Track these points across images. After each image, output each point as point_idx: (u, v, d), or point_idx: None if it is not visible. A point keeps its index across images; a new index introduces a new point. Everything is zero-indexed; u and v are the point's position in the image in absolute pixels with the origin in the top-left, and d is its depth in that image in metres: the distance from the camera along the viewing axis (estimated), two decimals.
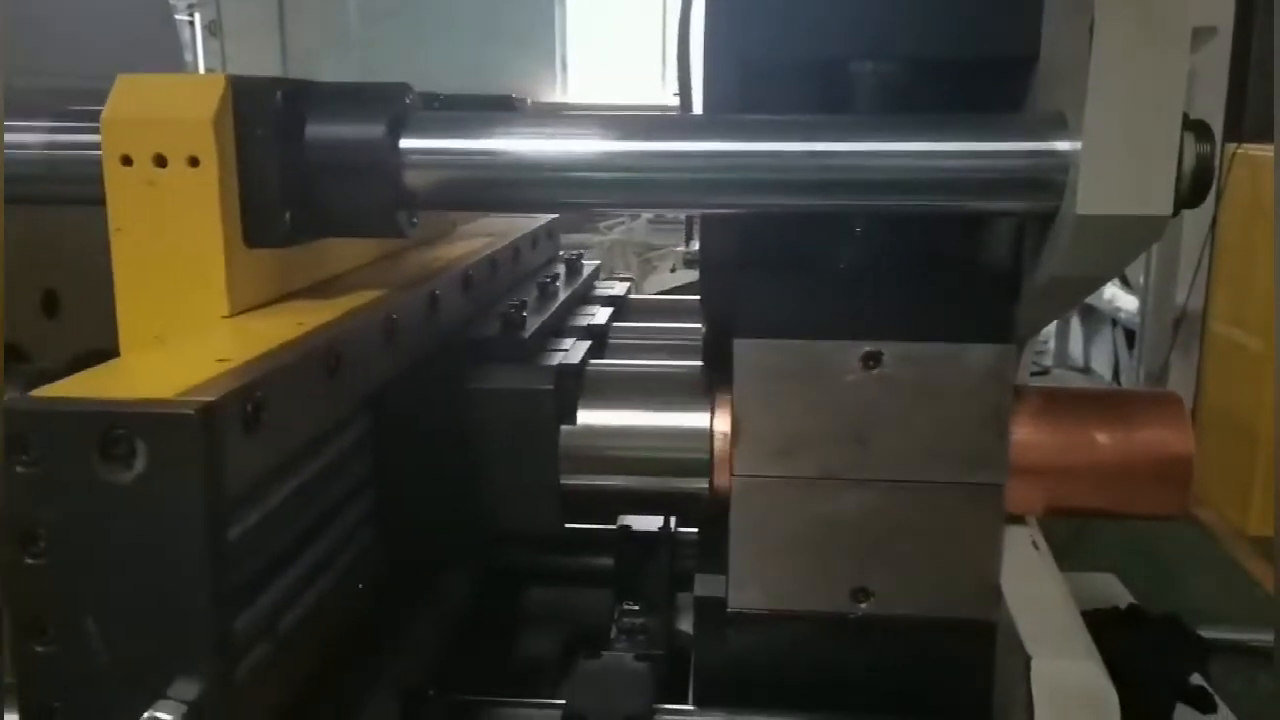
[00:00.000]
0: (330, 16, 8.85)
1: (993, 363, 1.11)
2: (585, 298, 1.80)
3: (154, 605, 0.73)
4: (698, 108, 1.23)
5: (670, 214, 6.00)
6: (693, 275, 1.36)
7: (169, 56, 2.17)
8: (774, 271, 1.17)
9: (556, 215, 1.95)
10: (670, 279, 4.94)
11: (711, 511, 1.21)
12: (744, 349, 1.14)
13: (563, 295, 1.61)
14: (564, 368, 1.24)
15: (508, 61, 8.68)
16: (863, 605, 1.17)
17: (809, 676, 1.19)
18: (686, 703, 1.21)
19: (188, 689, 0.74)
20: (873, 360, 1.12)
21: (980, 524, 1.15)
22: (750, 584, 1.18)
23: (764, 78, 1.14)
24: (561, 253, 2.00)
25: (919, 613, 1.17)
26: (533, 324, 1.34)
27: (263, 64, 8.54)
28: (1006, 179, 1.02)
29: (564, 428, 1.20)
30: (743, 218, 1.20)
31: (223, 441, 0.73)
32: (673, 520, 1.55)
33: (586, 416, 1.22)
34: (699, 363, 1.30)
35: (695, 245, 1.34)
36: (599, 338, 1.52)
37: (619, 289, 1.91)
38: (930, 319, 1.12)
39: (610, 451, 1.23)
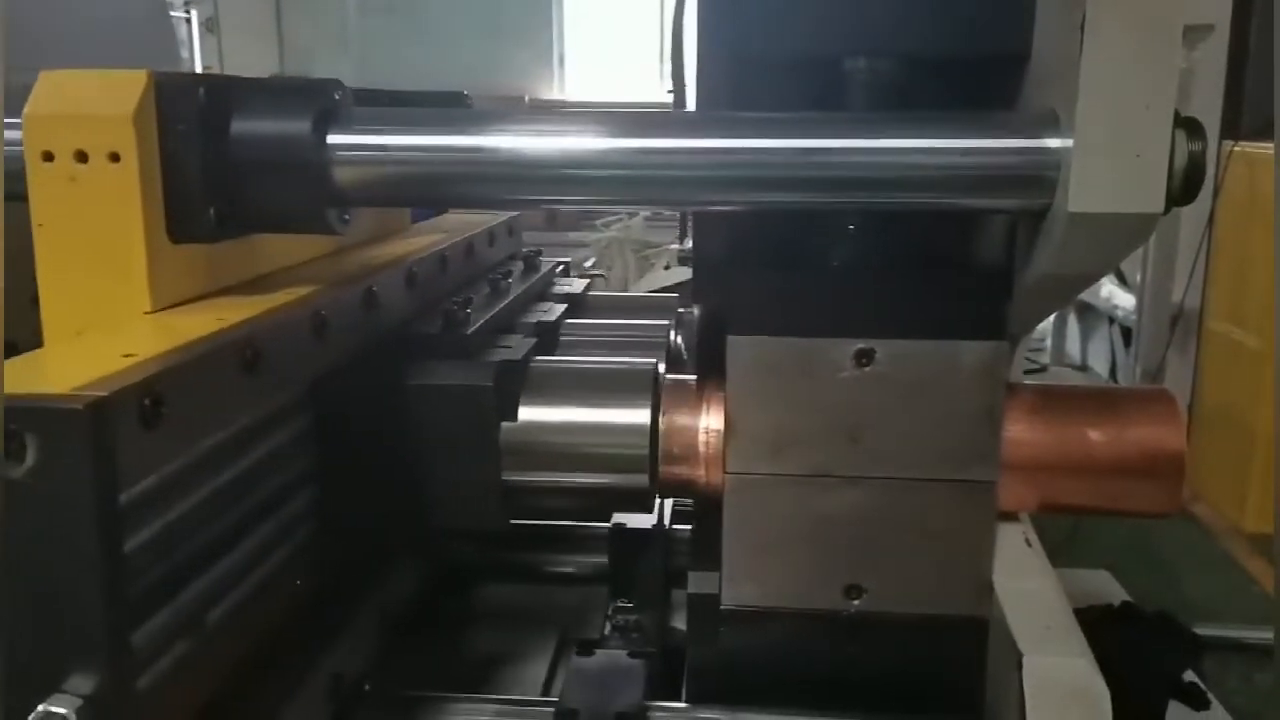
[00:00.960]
0: (328, 13, 8.85)
1: (985, 360, 1.11)
2: (541, 294, 1.79)
3: (49, 600, 0.73)
4: (692, 105, 1.23)
5: (665, 210, 5.99)
6: (687, 272, 1.35)
7: (165, 53, 2.18)
8: (768, 269, 1.18)
9: (517, 212, 1.95)
10: (664, 276, 4.93)
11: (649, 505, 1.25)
12: (737, 346, 1.14)
13: (514, 292, 1.60)
14: (506, 364, 1.23)
15: (505, 58, 8.67)
16: (855, 602, 1.17)
17: (802, 674, 1.19)
18: (680, 700, 1.21)
19: (83, 684, 0.73)
20: (866, 357, 1.12)
21: (973, 521, 1.15)
22: (743, 581, 1.18)
23: (757, 74, 1.14)
24: (525, 249, 1.98)
25: (912, 610, 1.17)
26: (477, 320, 1.34)
27: (260, 61, 8.54)
28: (998, 176, 1.02)
29: (505, 424, 1.19)
30: (738, 215, 1.20)
31: (115, 437, 0.73)
32: (666, 517, 1.55)
33: (529, 413, 1.21)
34: (648, 360, 1.30)
35: (689, 242, 1.34)
36: (549, 335, 1.51)
37: (577, 286, 1.90)
38: (923, 316, 1.12)
39: (552, 448, 1.21)
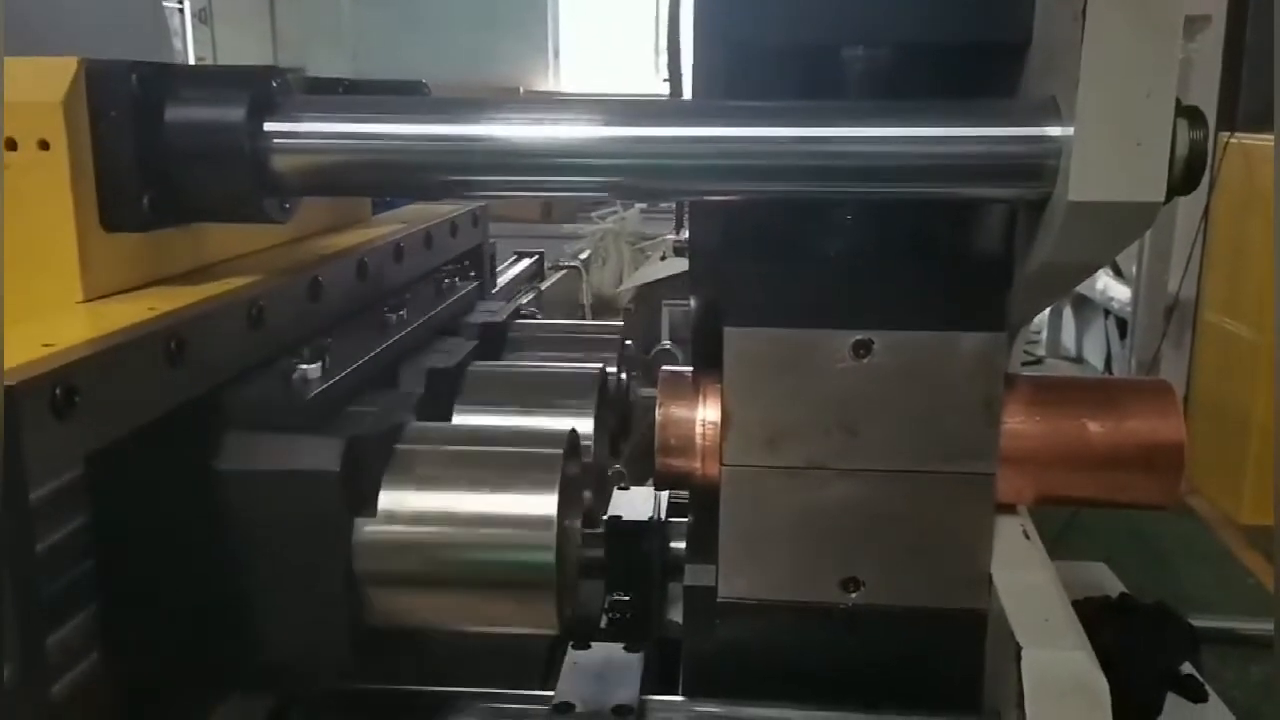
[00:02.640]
0: (322, 4, 8.81)
1: (984, 351, 1.10)
2: (452, 326, 1.53)
3: None
4: (689, 95, 1.22)
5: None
6: (682, 264, 1.33)
7: (157, 44, 2.16)
8: (764, 260, 1.17)
9: (483, 202, 1.93)
10: (659, 268, 4.92)
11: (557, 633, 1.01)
12: (734, 337, 1.13)
13: (400, 331, 1.30)
14: (358, 440, 0.96)
15: (500, 50, 8.65)
16: (853, 595, 1.16)
17: (799, 667, 1.19)
18: (677, 692, 1.21)
19: None
20: (863, 349, 1.11)
21: (971, 513, 1.14)
22: (740, 574, 1.18)
23: (753, 64, 1.13)
24: (489, 250, 1.93)
25: (909, 603, 1.16)
26: (331, 376, 1.05)
27: (253, 52, 8.50)
28: (998, 165, 1.01)
29: (358, 520, 0.96)
30: (733, 205, 1.19)
31: (23, 426, 0.72)
32: (662, 510, 1.54)
33: (391, 502, 0.97)
34: (565, 420, 1.12)
35: (685, 233, 1.32)
36: (443, 386, 1.28)
37: (501, 312, 1.61)
38: (921, 307, 1.11)
39: (421, 554, 0.97)
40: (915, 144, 1.01)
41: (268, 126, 1.06)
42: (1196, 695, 1.45)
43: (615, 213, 6.22)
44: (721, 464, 1.16)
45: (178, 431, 0.92)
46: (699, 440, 1.20)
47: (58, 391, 0.76)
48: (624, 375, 1.52)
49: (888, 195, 1.07)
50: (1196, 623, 1.47)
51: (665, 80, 1.40)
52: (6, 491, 0.72)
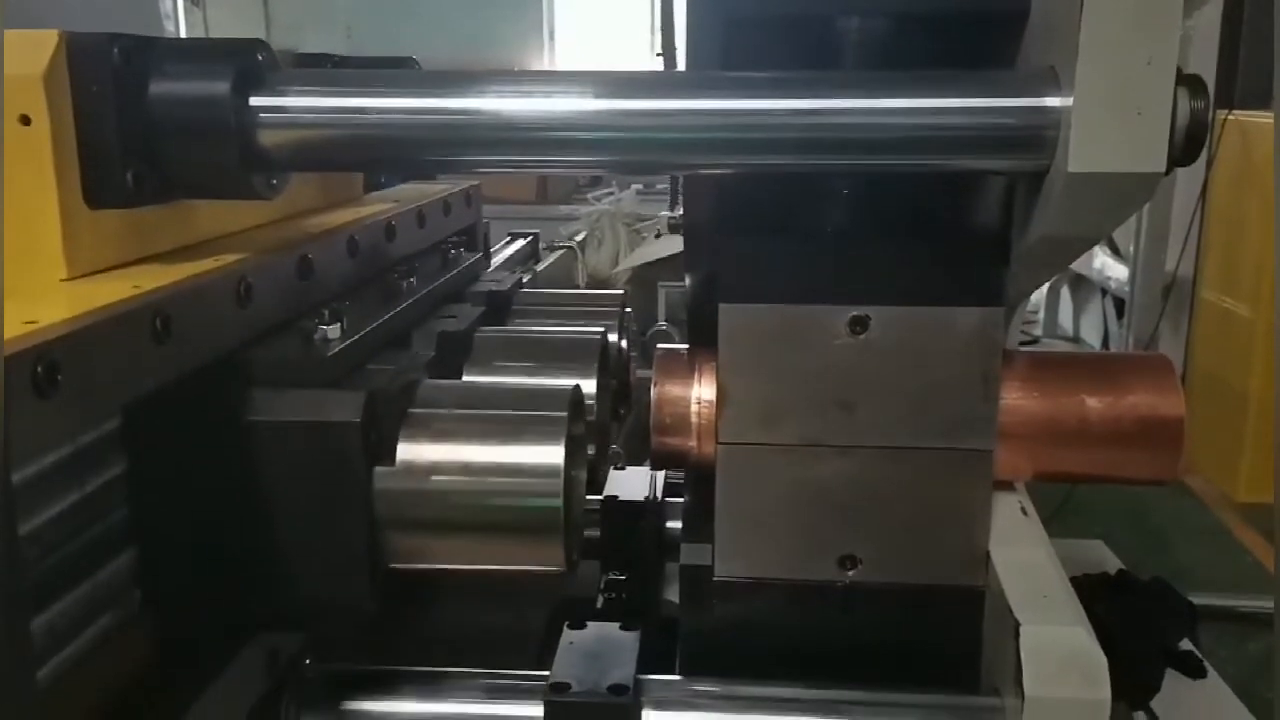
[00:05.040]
0: None
1: (981, 326, 1.09)
2: (457, 295, 1.58)
3: None
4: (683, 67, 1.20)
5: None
6: (678, 242, 1.31)
7: (148, 27, 2.14)
8: (760, 235, 1.15)
9: (476, 181, 1.92)
10: (655, 246, 4.89)
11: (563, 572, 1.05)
12: (729, 314, 1.12)
13: (412, 296, 1.37)
14: (378, 393, 1.01)
15: (495, 30, 8.60)
16: (850, 573, 1.16)
17: (797, 645, 1.18)
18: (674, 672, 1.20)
19: None
20: (860, 325, 1.10)
21: (969, 490, 1.13)
22: (737, 552, 1.17)
23: (748, 36, 1.11)
24: (483, 230, 1.93)
25: (907, 580, 1.15)
26: (349, 336, 1.11)
27: (246, 34, 8.44)
28: (996, 136, 1.00)
29: (378, 469, 1.01)
30: (728, 181, 1.18)
31: (5, 404, 0.70)
32: (658, 489, 1.54)
33: (409, 453, 1.02)
34: (569, 380, 1.15)
35: (680, 210, 1.31)
36: (452, 349, 1.32)
37: (506, 282, 1.68)
38: (918, 282, 1.10)
39: (438, 500, 1.02)
40: (912, 115, 1.00)
41: (254, 100, 1.04)
42: (1195, 671, 1.45)
43: (611, 194, 6.20)
44: (717, 442, 1.15)
45: (206, 387, 0.97)
46: (694, 418, 1.19)
47: (39, 369, 0.75)
48: (624, 341, 1.56)
49: (884, 167, 1.06)
50: (1193, 599, 1.47)
51: (659, 55, 1.39)
52: None
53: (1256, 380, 3.88)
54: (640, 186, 6.24)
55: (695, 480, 1.27)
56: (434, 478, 1.02)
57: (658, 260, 4.68)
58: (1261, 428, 3.85)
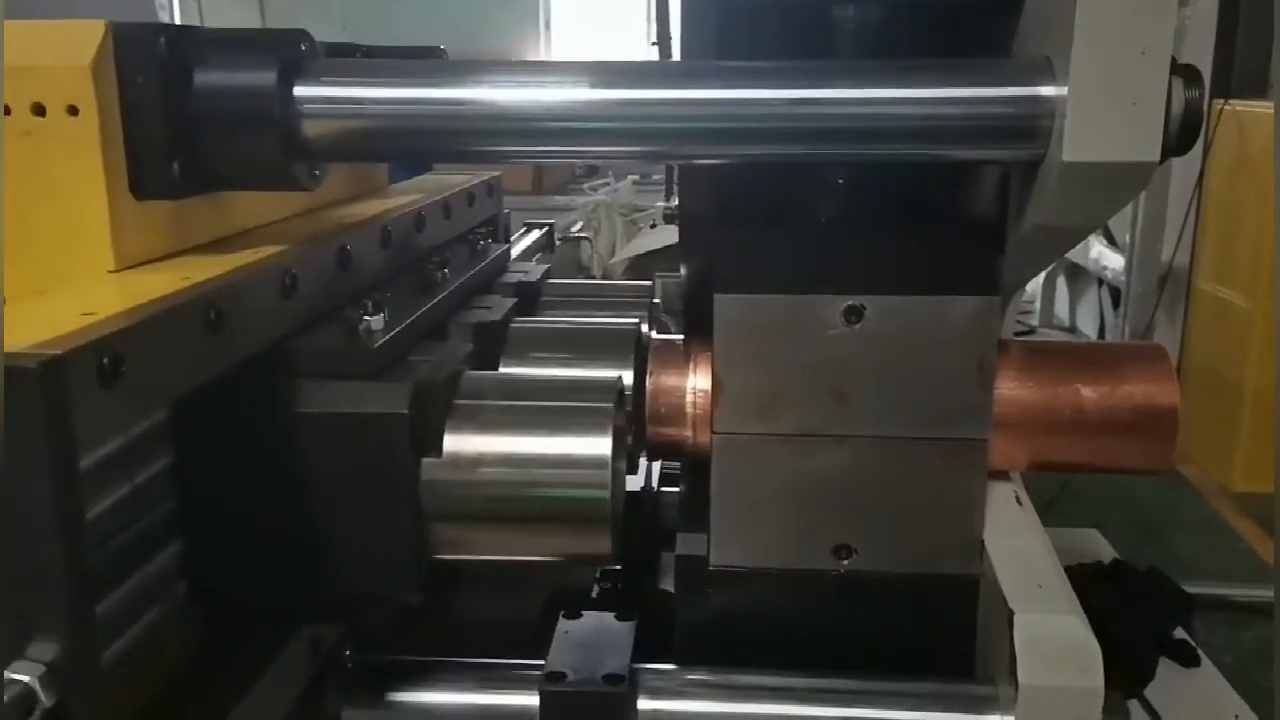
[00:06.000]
0: None
1: (977, 315, 1.09)
2: (487, 285, 1.58)
3: (6, 565, 0.71)
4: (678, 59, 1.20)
5: (649, 163, 5.93)
6: (674, 233, 1.31)
7: (141, 15, 2.13)
8: (755, 226, 1.15)
9: (497, 172, 1.91)
10: (651, 237, 4.89)
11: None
12: (725, 304, 1.12)
13: (448, 287, 1.36)
14: (425, 384, 1.02)
15: (490, 21, 8.58)
16: (845, 562, 1.16)
17: (792, 634, 1.18)
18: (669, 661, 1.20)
19: (45, 650, 0.72)
20: (855, 314, 1.10)
21: (964, 479, 1.14)
22: (732, 542, 1.17)
23: (742, 24, 1.11)
24: (504, 220, 1.92)
25: (902, 569, 1.16)
26: (392, 327, 1.10)
27: (241, 22, 8.41)
28: (991, 126, 1.00)
29: (425, 461, 1.01)
30: (723, 171, 1.18)
31: (71, 396, 0.71)
32: (654, 479, 1.54)
33: (456, 444, 1.03)
34: (608, 373, 1.16)
35: (676, 200, 1.30)
36: (489, 340, 1.32)
37: (533, 272, 1.68)
38: (913, 271, 1.10)
39: (485, 491, 1.02)
40: (907, 104, 1.00)
41: (298, 91, 1.04)
42: (1189, 659, 1.45)
43: (607, 184, 6.19)
44: (713, 432, 1.15)
45: (252, 378, 0.97)
46: (690, 409, 1.20)
47: (105, 361, 0.75)
48: (654, 332, 1.54)
49: (879, 157, 1.05)
50: (1188, 588, 1.47)
51: (654, 45, 1.39)
52: (55, 466, 0.70)
53: (1252, 370, 3.87)
54: (637, 177, 6.24)
55: (691, 470, 1.27)
56: (481, 469, 1.02)
57: (654, 250, 4.67)
58: (1257, 417, 3.86)
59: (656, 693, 1.10)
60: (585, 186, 6.30)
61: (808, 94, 1.00)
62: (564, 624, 1.19)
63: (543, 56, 8.90)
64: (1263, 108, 3.99)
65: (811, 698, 1.10)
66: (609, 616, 1.20)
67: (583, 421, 1.05)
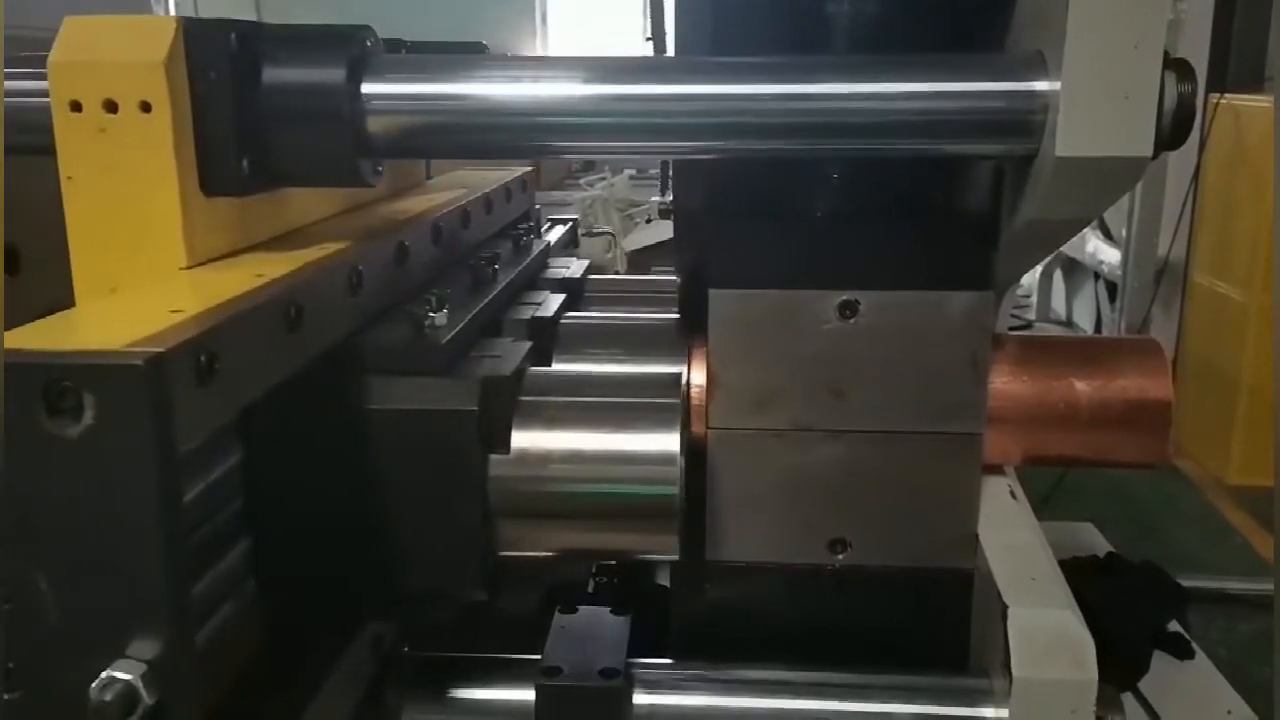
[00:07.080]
0: None
1: (971, 310, 1.09)
2: (532, 282, 1.56)
3: (107, 563, 0.71)
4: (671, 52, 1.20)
5: (646, 161, 5.93)
6: (669, 228, 1.30)
7: (137, 9, 2.12)
8: (750, 221, 1.15)
9: (530, 168, 1.91)
10: (650, 232, 4.89)
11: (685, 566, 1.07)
12: (719, 299, 1.12)
13: (500, 282, 1.35)
14: (492, 381, 1.02)
15: (486, 15, 8.56)
16: (840, 556, 1.16)
17: (787, 628, 1.19)
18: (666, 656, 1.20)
19: (146, 648, 0.72)
20: (849, 309, 1.11)
21: (958, 474, 1.14)
22: (727, 536, 1.17)
23: (736, 19, 1.11)
24: (535, 216, 1.92)
25: (896, 563, 1.16)
26: (456, 323, 1.10)
27: (234, 13, 8.40)
28: (985, 120, 1.00)
29: (493, 457, 1.01)
30: (717, 166, 1.18)
31: (173, 393, 0.71)
32: None
33: (523, 441, 1.02)
34: (660, 366, 1.16)
35: (670, 195, 1.30)
36: (543, 335, 1.31)
37: (575, 268, 1.67)
38: (908, 267, 1.10)
39: (553, 488, 1.01)
40: (901, 100, 1.00)
41: (365, 88, 1.04)
42: (1183, 652, 1.45)
43: (604, 179, 6.18)
44: (708, 427, 1.15)
45: (321, 375, 0.96)
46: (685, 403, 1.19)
47: (202, 358, 0.75)
48: None
49: (873, 152, 1.06)
50: (1184, 582, 1.48)
51: (648, 39, 1.38)
52: (158, 463, 0.70)
53: (1248, 364, 3.88)
54: (633, 172, 6.24)
55: (686, 464, 1.27)
56: (549, 466, 1.01)
57: (652, 245, 4.67)
58: (1253, 411, 3.87)
59: (652, 687, 1.10)
60: (582, 181, 6.29)
61: (802, 89, 1.00)
62: (560, 618, 1.19)
63: (538, 52, 8.89)
64: (1259, 101, 3.99)
65: (806, 691, 1.10)
66: (604, 611, 1.20)
67: (651, 417, 1.03)
